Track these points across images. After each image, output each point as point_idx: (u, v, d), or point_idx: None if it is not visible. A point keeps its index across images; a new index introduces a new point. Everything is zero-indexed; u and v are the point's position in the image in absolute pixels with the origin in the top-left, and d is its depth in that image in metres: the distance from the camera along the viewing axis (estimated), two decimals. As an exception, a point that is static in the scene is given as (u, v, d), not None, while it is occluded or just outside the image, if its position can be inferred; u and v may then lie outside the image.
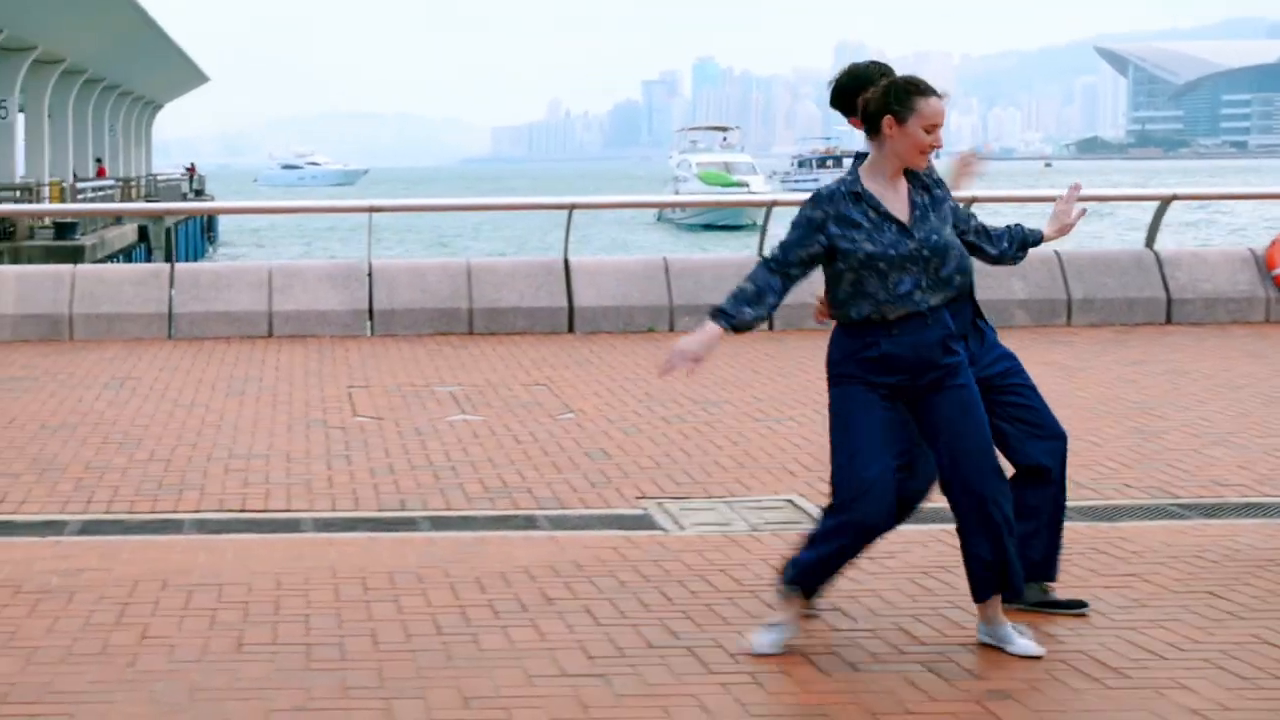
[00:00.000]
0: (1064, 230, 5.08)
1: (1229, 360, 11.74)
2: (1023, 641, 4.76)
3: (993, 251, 5.00)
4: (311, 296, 13.44)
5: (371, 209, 14.82)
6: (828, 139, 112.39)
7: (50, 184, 40.03)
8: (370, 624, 5.20)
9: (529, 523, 6.88)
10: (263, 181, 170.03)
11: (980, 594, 4.79)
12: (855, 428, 4.62)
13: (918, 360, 4.58)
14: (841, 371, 4.68)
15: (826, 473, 7.49)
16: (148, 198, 50.32)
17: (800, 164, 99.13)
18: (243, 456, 8.29)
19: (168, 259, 40.16)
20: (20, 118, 46.82)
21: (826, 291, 4.74)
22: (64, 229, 31.08)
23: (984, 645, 4.87)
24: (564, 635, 5.07)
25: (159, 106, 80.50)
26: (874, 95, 4.60)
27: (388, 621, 5.24)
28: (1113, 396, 10.11)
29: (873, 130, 4.61)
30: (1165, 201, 14.57)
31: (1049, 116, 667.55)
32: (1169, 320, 13.70)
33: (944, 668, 4.71)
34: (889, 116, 4.53)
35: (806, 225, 4.60)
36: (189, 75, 74.74)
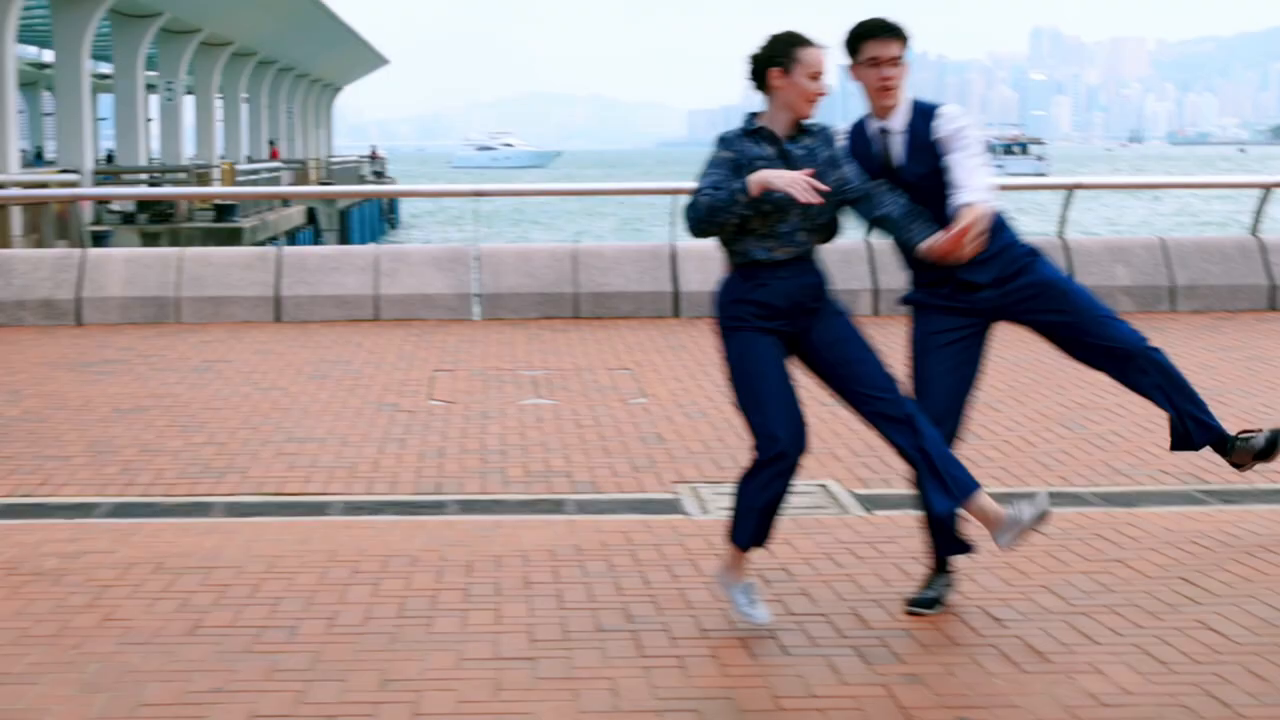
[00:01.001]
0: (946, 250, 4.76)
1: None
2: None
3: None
4: (418, 280, 13.73)
5: (476, 193, 15.12)
6: (1018, 125, 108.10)
7: (222, 165, 41.37)
8: (336, 607, 5.31)
9: (555, 507, 6.94)
10: (458, 163, 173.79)
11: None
12: (759, 377, 4.79)
13: (799, 303, 4.82)
14: (732, 314, 4.89)
15: (869, 459, 7.56)
16: (322, 181, 51.69)
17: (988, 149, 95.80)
18: (298, 440, 8.50)
19: (342, 242, 41.94)
20: (189, 100, 48.74)
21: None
22: (224, 211, 32.07)
23: (920, 627, 4.99)
24: (520, 619, 5.11)
25: (338, 89, 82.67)
26: (758, 51, 4.81)
27: (355, 605, 5.33)
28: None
29: (761, 84, 4.82)
30: (1267, 189, 14.48)
31: (1245, 102, 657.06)
32: (1272, 307, 13.58)
33: (874, 652, 4.73)
34: (775, 68, 4.74)
35: (725, 164, 4.77)
36: (366, 58, 76.76)
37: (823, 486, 7.17)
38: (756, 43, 4.80)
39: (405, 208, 66.82)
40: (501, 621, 5.09)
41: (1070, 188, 14.71)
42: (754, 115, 4.88)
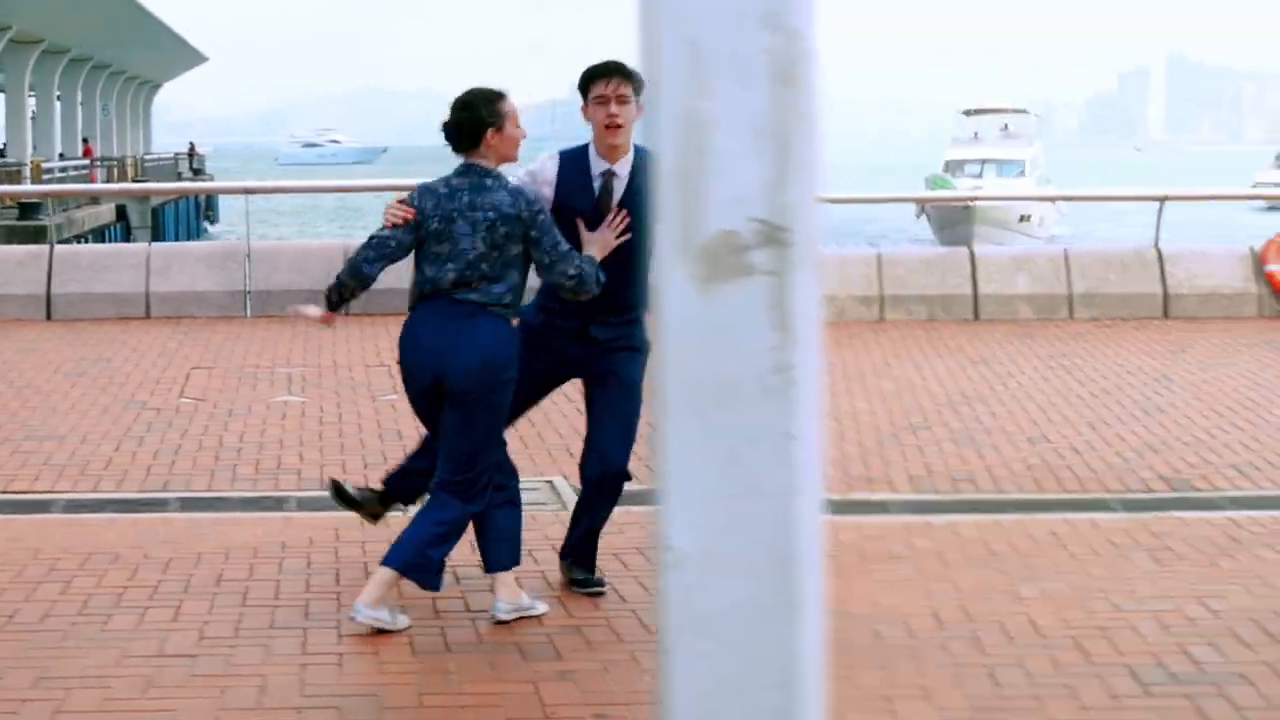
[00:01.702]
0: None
1: (1124, 353, 11.83)
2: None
3: None
4: (189, 277, 13.59)
5: (247, 191, 15.17)
6: None
7: (31, 163, 40.34)
8: (19, 605, 5.31)
9: (277, 504, 7.00)
10: (283, 160, 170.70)
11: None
12: None
13: None
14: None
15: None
16: (135, 178, 50.53)
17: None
18: (38, 438, 8.41)
19: (155, 239, 41.13)
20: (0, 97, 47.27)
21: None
22: (28, 209, 31.30)
23: (594, 624, 5.13)
24: (197, 616, 5.18)
25: (156, 86, 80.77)
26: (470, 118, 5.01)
27: (39, 603, 5.35)
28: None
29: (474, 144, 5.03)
30: (1163, 200, 14.73)
31: None
32: (1166, 315, 13.76)
33: (537, 649, 4.86)
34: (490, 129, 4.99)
35: None
36: (184, 54, 75.13)
37: (549, 483, 7.31)
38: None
39: (227, 205, 65.58)
40: (178, 619, 5.15)
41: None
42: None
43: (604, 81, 5.09)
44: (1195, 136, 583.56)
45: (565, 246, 4.92)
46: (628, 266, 5.01)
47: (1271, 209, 58.15)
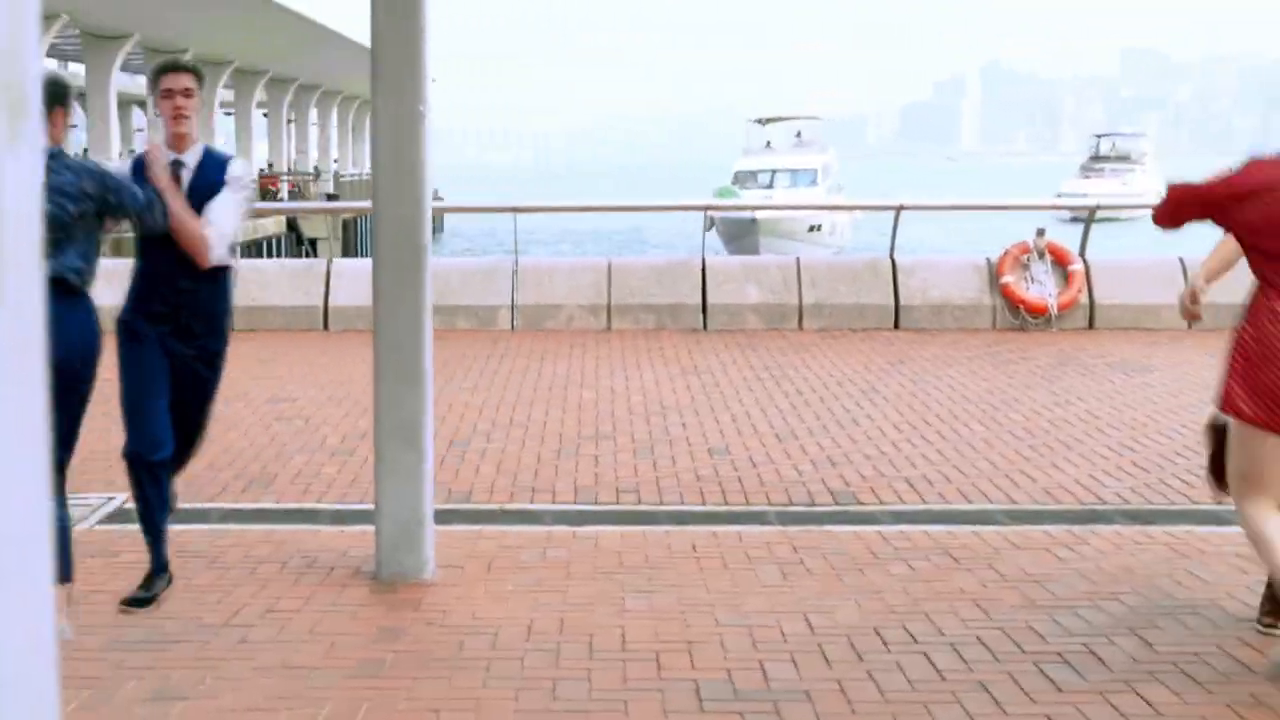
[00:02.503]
0: None
1: (840, 364, 11.74)
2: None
3: None
4: None
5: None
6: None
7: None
8: None
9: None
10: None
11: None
12: None
13: None
14: None
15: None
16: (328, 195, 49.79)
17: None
18: None
19: (345, 253, 40.33)
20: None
21: None
22: None
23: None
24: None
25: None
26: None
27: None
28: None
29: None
30: (897, 211, 14.70)
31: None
32: (897, 326, 13.75)
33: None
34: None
35: None
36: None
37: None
38: None
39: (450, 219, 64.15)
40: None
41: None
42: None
43: (171, 76, 5.28)
44: (1011, 146, 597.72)
45: None
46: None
47: (1074, 220, 59.62)
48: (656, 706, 4.34)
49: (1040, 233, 13.81)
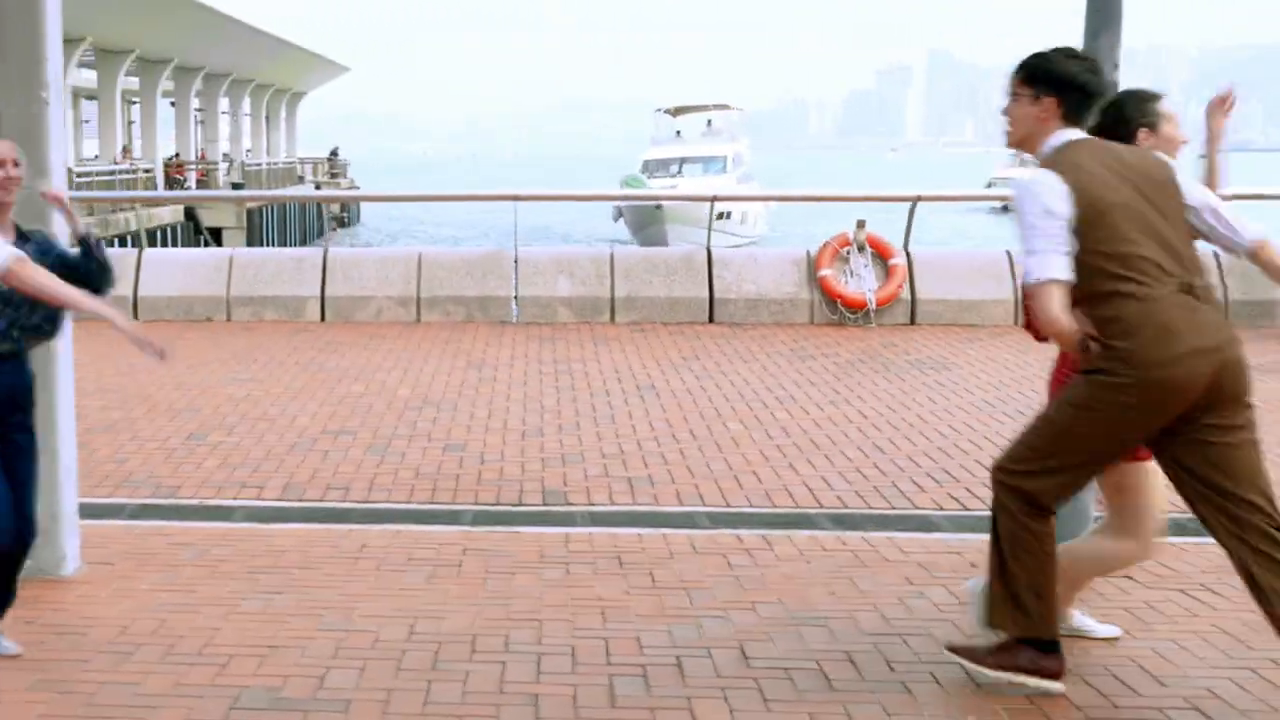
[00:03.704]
0: None
1: (629, 359, 11.68)
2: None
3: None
4: None
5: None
6: None
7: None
8: None
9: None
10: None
11: None
12: None
13: (8, 400, 4.76)
14: None
15: None
16: (234, 184, 49.15)
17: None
18: None
19: (249, 242, 40.14)
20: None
21: None
22: None
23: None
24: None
25: (299, 95, 77.14)
26: None
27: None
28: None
29: None
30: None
31: None
32: (711, 320, 13.66)
33: None
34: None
35: None
36: (325, 67, 73.57)
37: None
38: None
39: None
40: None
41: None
42: None
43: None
44: (957, 137, 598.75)
45: None
46: None
47: (1006, 209, 59.51)
48: (180, 715, 4.26)
49: (860, 225, 13.74)
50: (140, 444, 8.35)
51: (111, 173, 37.52)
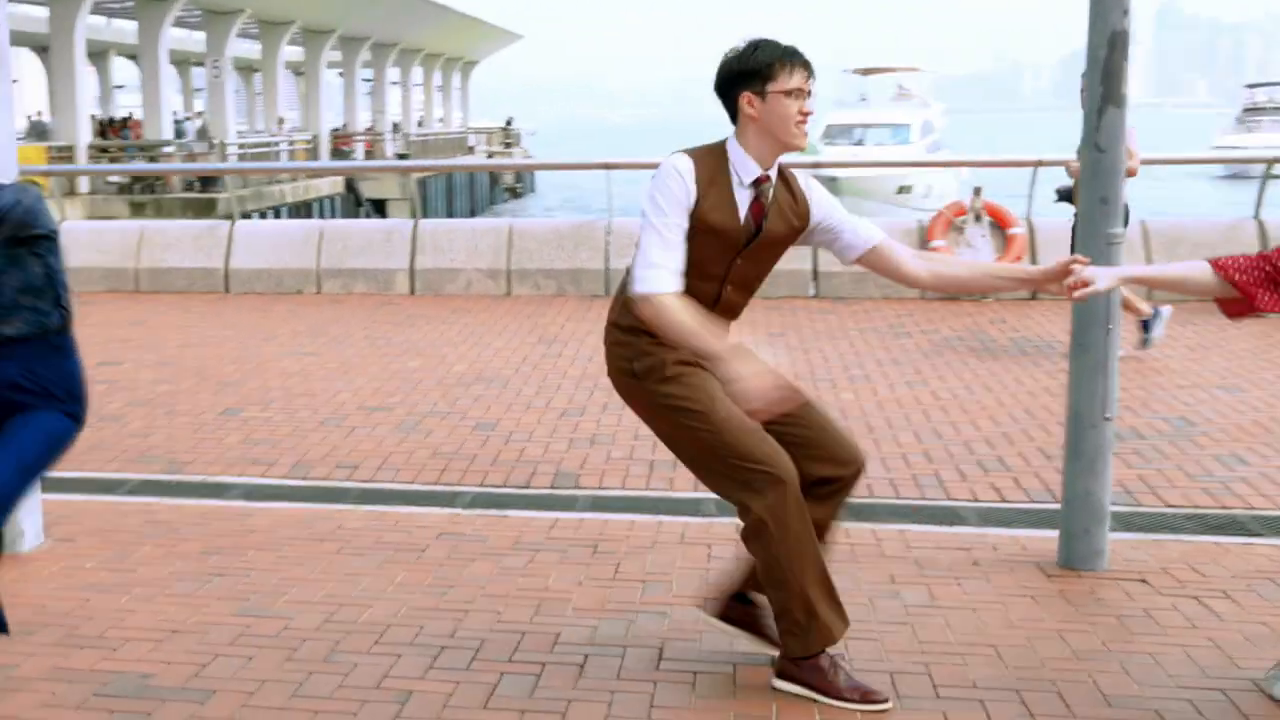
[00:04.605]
0: None
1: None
2: None
3: None
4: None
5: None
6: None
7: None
8: None
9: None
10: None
11: None
12: None
13: None
14: None
15: None
16: (399, 154, 50.62)
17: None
18: None
19: (415, 213, 41.19)
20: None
21: None
22: (208, 183, 32.58)
23: None
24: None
25: (472, 63, 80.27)
26: None
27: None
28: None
29: None
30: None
31: None
32: (817, 294, 13.32)
33: None
34: None
35: None
36: (496, 35, 76.24)
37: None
38: None
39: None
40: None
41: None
42: None
43: None
44: (1188, 97, 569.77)
45: None
46: None
47: (1234, 176, 56.83)
48: (38, 700, 4.25)
49: (976, 192, 13.24)
50: (172, 418, 8.43)
51: (267, 145, 38.39)
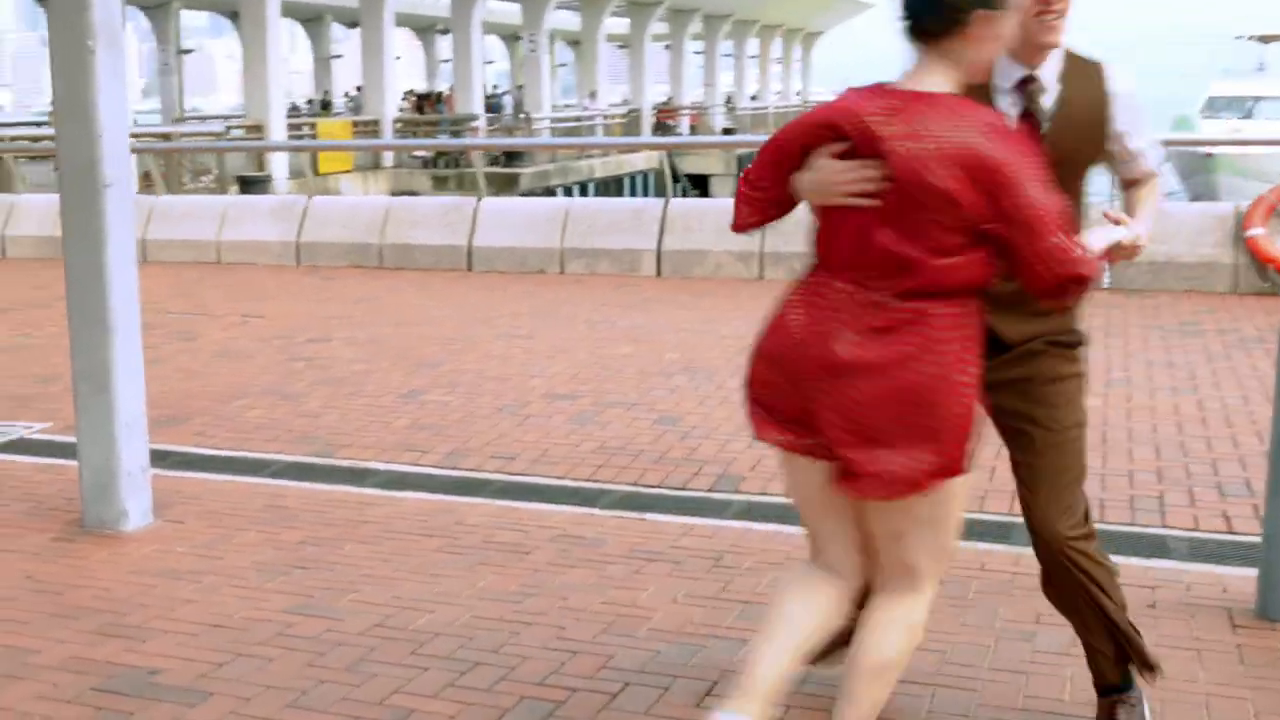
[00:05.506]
0: None
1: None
2: None
3: None
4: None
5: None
6: None
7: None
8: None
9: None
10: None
11: None
12: None
13: None
14: None
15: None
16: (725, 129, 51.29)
17: None
18: None
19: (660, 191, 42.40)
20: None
21: None
22: (512, 158, 33.77)
23: None
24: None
25: (814, 35, 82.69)
26: None
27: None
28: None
29: None
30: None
31: None
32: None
33: None
34: None
35: None
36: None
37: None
38: None
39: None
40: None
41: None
42: None
43: None
44: None
45: None
46: None
47: None
48: (38, 690, 4.24)
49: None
50: (352, 400, 8.47)
51: (578, 119, 38.88)
